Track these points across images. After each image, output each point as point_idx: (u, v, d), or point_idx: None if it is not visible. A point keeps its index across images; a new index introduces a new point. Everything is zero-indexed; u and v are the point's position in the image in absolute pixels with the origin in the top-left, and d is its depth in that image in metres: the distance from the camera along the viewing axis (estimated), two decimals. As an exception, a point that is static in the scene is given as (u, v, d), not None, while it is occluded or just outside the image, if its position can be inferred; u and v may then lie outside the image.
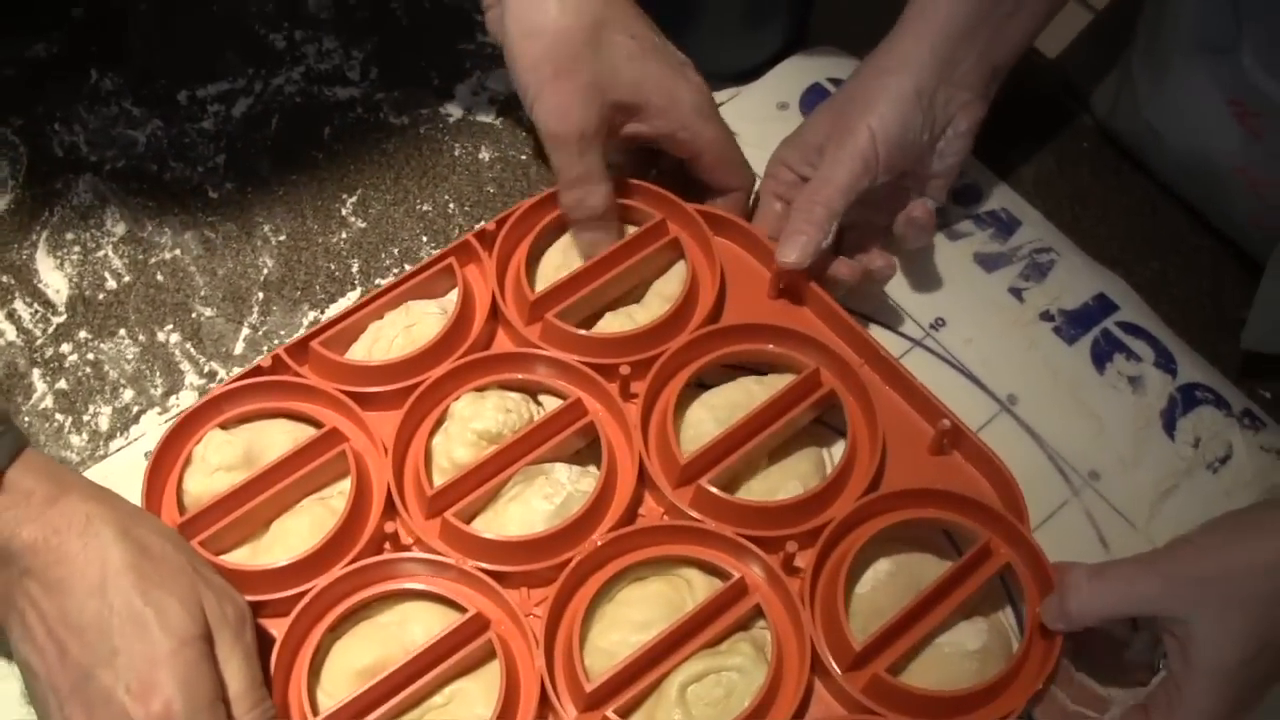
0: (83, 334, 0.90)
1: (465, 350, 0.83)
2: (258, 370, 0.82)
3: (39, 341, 0.89)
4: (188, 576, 0.71)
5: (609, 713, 0.73)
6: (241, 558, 0.79)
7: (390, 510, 0.79)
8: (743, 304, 0.87)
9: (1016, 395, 0.88)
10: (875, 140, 0.84)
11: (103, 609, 0.68)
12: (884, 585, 0.79)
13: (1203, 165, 0.94)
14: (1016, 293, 0.93)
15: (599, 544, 0.77)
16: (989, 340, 0.90)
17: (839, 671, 0.75)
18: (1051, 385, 0.89)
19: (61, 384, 0.88)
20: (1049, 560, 0.77)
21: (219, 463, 0.80)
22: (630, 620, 0.77)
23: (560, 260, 0.88)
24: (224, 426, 0.82)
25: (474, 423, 0.81)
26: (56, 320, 0.90)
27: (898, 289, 0.92)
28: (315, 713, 0.73)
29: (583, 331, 0.84)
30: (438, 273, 0.86)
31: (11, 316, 0.90)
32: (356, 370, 0.82)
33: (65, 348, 0.89)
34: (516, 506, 0.80)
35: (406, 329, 0.84)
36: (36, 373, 0.88)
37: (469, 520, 0.79)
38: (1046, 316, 0.91)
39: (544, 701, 0.74)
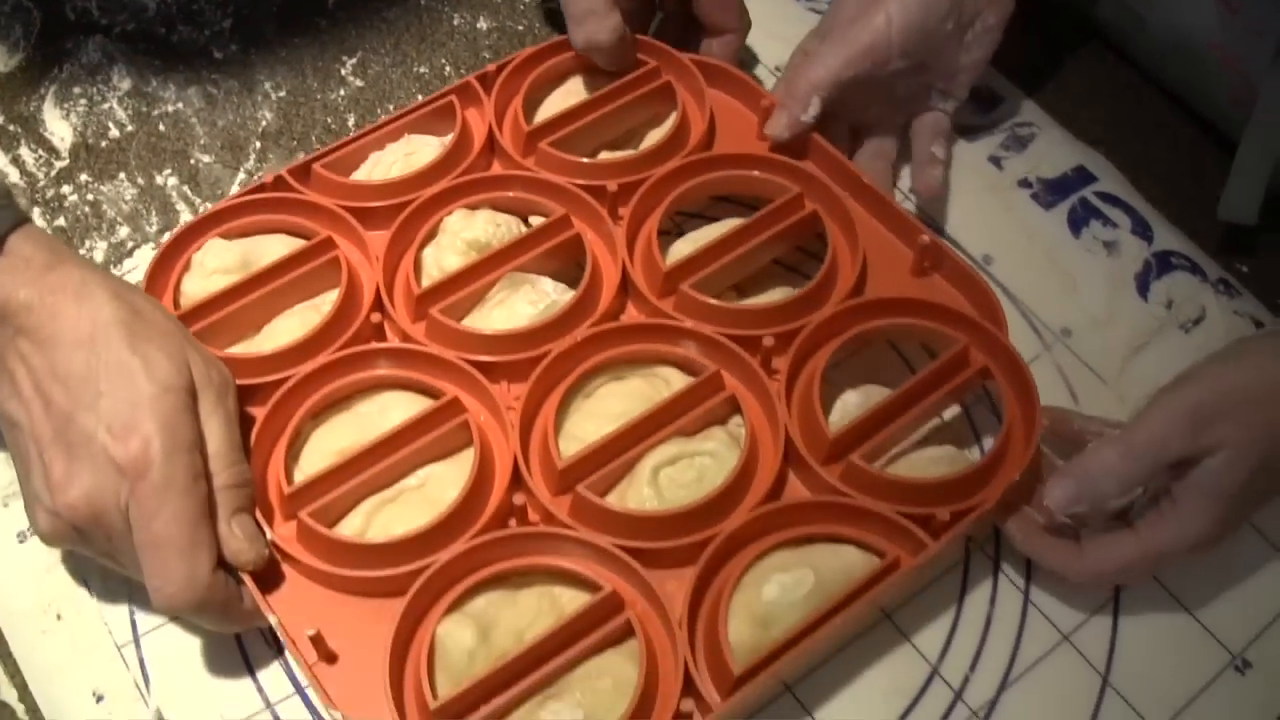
0: (84, 177, 0.93)
1: (460, 174, 0.86)
2: (260, 187, 0.85)
3: (41, 183, 0.93)
4: (176, 338, 0.72)
5: (580, 488, 0.73)
6: (233, 356, 0.81)
7: (380, 309, 0.81)
8: (734, 147, 0.89)
9: (992, 255, 0.89)
10: (891, 26, 0.85)
11: (90, 359, 0.69)
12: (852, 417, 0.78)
13: (1182, 45, 0.95)
14: (996, 161, 0.94)
15: (578, 339, 0.78)
16: (966, 203, 0.91)
17: (815, 462, 0.75)
18: (1027, 247, 0.90)
19: (60, 221, 0.91)
20: (1028, 367, 0.77)
21: (216, 266, 0.82)
22: (607, 412, 0.78)
23: (560, 106, 0.91)
24: (225, 238, 0.84)
25: (464, 233, 0.83)
26: (59, 164, 0.94)
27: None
28: (290, 484, 0.74)
29: (574, 157, 0.86)
30: (438, 112, 0.88)
31: (16, 161, 0.94)
32: (354, 188, 0.85)
33: (66, 189, 0.93)
34: (501, 310, 0.81)
35: (406, 156, 0.87)
36: (37, 211, 0.91)
37: (457, 322, 0.80)
38: (1025, 184, 0.93)
39: (517, 482, 0.75)
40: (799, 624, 0.69)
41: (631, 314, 0.82)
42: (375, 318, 0.80)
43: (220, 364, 0.75)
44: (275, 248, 0.83)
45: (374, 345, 0.79)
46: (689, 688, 0.68)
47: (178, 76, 0.98)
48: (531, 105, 0.91)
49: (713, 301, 0.79)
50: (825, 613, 0.69)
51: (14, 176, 0.93)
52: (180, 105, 0.97)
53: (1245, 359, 0.72)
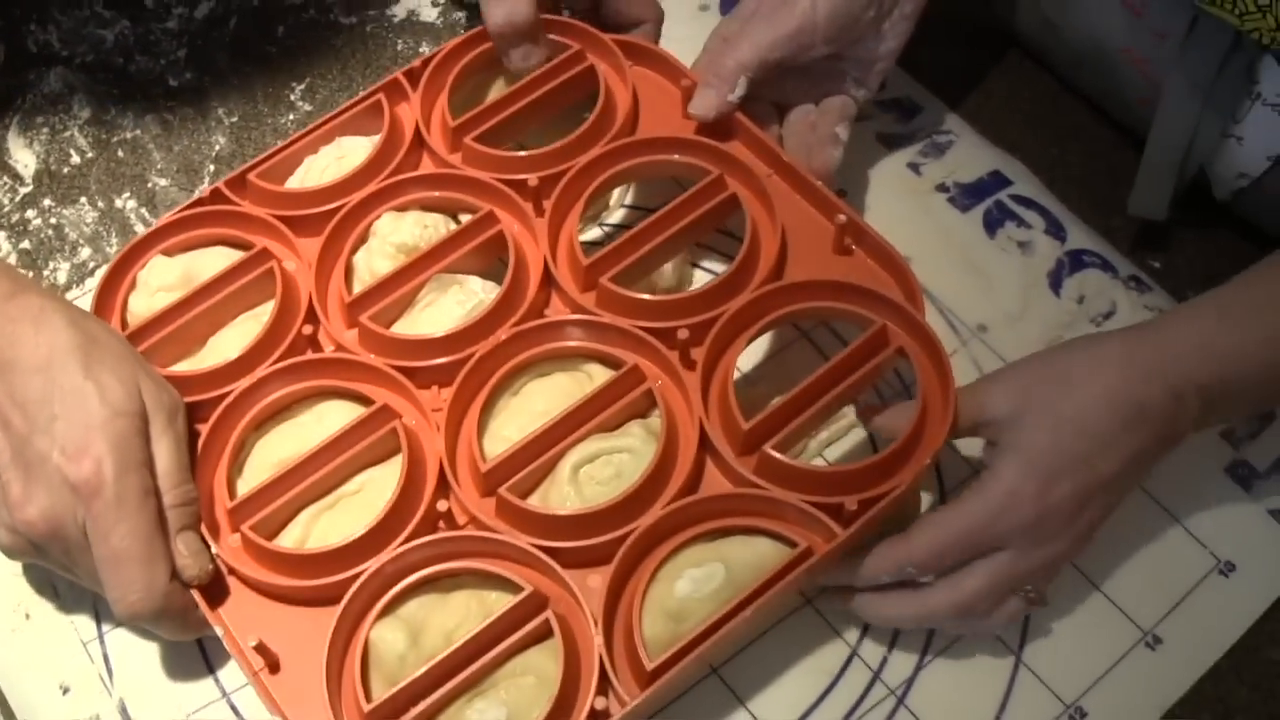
0: (47, 201, 0.99)
1: (389, 174, 0.87)
2: (198, 201, 0.87)
3: (6, 209, 0.98)
4: (129, 364, 0.76)
5: (502, 490, 0.76)
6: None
7: (313, 318, 0.83)
8: (658, 126, 0.89)
9: (911, 257, 0.88)
10: (817, 11, 0.85)
11: (46, 384, 0.73)
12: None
13: (1095, 51, 0.96)
14: (915, 168, 0.97)
15: (502, 339, 0.81)
16: (885, 208, 0.94)
17: (731, 454, 0.77)
18: (944, 248, 0.93)
19: (25, 244, 0.97)
20: (942, 346, 0.78)
21: (159, 284, 0.85)
22: (531, 410, 0.80)
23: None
24: (167, 254, 0.87)
25: (392, 236, 0.85)
26: (23, 190, 1.00)
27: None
28: (233, 498, 0.78)
29: (497, 151, 0.87)
30: (368, 110, 0.90)
31: None
32: (287, 196, 0.87)
33: (30, 213, 0.98)
34: (431, 311, 0.83)
35: (337, 160, 0.89)
36: (2, 235, 0.97)
37: (387, 327, 0.83)
38: (942, 188, 0.96)
39: (444, 485, 0.78)
40: (710, 618, 0.71)
41: (557, 308, 0.84)
42: (309, 329, 0.83)
43: (170, 387, 0.78)
44: (216, 261, 0.86)
45: (308, 356, 0.82)
46: (605, 684, 0.71)
47: (135, 105, 1.03)
48: (473, 100, 0.92)
49: (630, 294, 0.81)
50: (735, 607, 0.71)
51: None
52: (138, 132, 1.02)
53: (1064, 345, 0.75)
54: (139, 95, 1.03)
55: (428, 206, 0.87)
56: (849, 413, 0.83)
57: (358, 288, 0.84)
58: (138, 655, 0.81)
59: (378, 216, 0.86)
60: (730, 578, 0.73)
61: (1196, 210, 0.94)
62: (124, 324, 0.85)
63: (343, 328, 0.83)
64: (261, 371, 0.81)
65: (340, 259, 0.85)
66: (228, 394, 0.80)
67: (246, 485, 0.79)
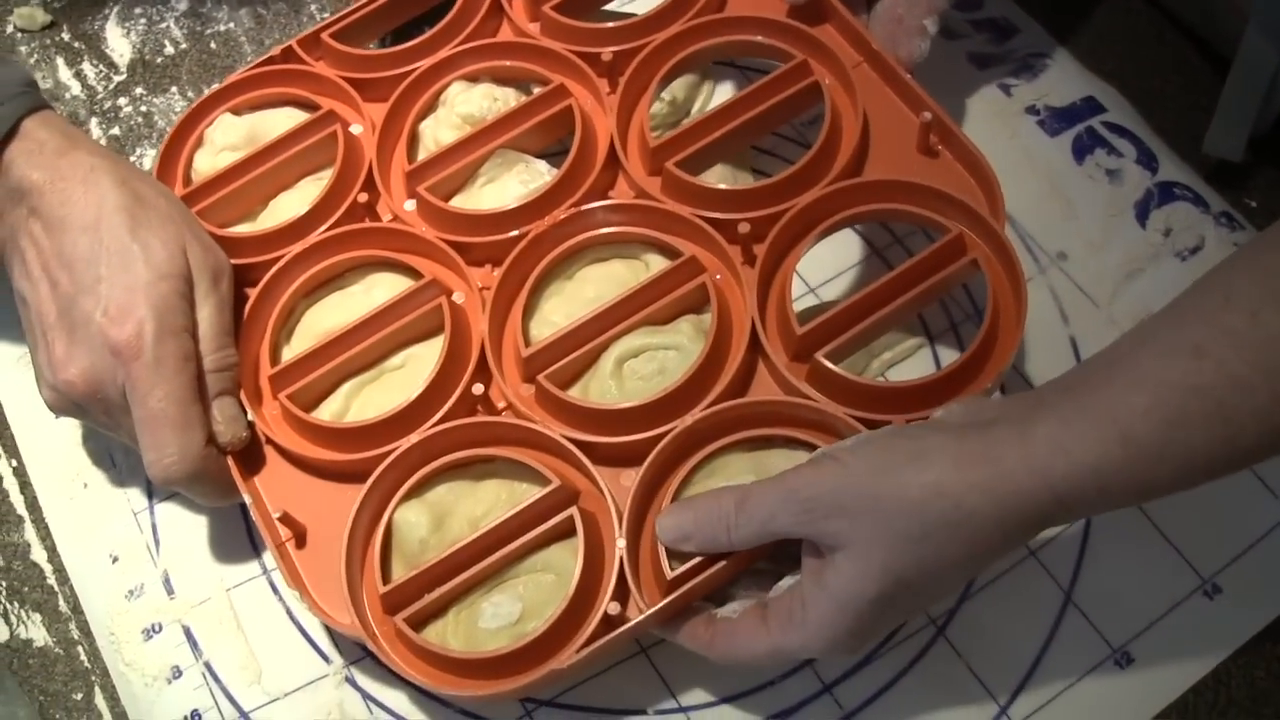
0: (139, 90, 0.99)
1: (463, 39, 0.84)
2: (270, 60, 0.86)
3: (100, 96, 0.99)
4: (176, 225, 0.75)
5: (541, 378, 0.73)
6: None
7: (371, 185, 0.81)
8: (746, 6, 0.84)
9: None
10: None
11: (94, 244, 0.73)
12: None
13: None
14: (1005, 88, 0.91)
15: (558, 219, 0.77)
16: (970, 127, 0.88)
17: (782, 358, 0.73)
18: (1028, 171, 0.87)
19: (115, 130, 0.97)
20: (1020, 262, 0.72)
21: (224, 142, 0.84)
22: (582, 296, 0.77)
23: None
24: (235, 113, 0.85)
25: (460, 107, 0.82)
26: (117, 79, 1.00)
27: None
28: (276, 365, 0.77)
29: (578, 23, 0.83)
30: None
31: (79, 75, 1.00)
32: (358, 58, 0.85)
33: (122, 101, 0.99)
34: (492, 189, 0.81)
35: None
36: (94, 121, 0.98)
37: (446, 200, 0.80)
38: (1032, 110, 0.90)
39: (485, 367, 0.75)
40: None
41: (621, 191, 0.80)
42: (366, 196, 0.80)
43: (218, 250, 0.77)
44: (282, 122, 0.84)
45: (364, 225, 0.80)
46: (623, 589, 0.68)
47: (231, -1, 1.03)
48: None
49: (695, 181, 0.77)
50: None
51: (75, 89, 1.00)
52: (231, 25, 1.01)
53: (876, 456, 0.62)
54: (236, -11, 1.04)
55: (500, 79, 0.84)
56: (916, 331, 0.78)
57: (421, 155, 0.82)
58: (184, 528, 0.81)
59: (448, 84, 0.83)
60: (764, 491, 0.70)
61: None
62: (188, 181, 0.84)
63: (402, 197, 0.81)
64: (314, 237, 0.79)
65: (405, 126, 0.83)
66: (279, 258, 0.79)
67: (293, 354, 0.78)
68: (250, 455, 0.76)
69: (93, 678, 0.78)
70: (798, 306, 0.73)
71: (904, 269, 0.72)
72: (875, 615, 0.62)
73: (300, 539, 0.74)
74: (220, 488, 0.75)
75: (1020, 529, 0.59)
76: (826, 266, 0.83)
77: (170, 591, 0.79)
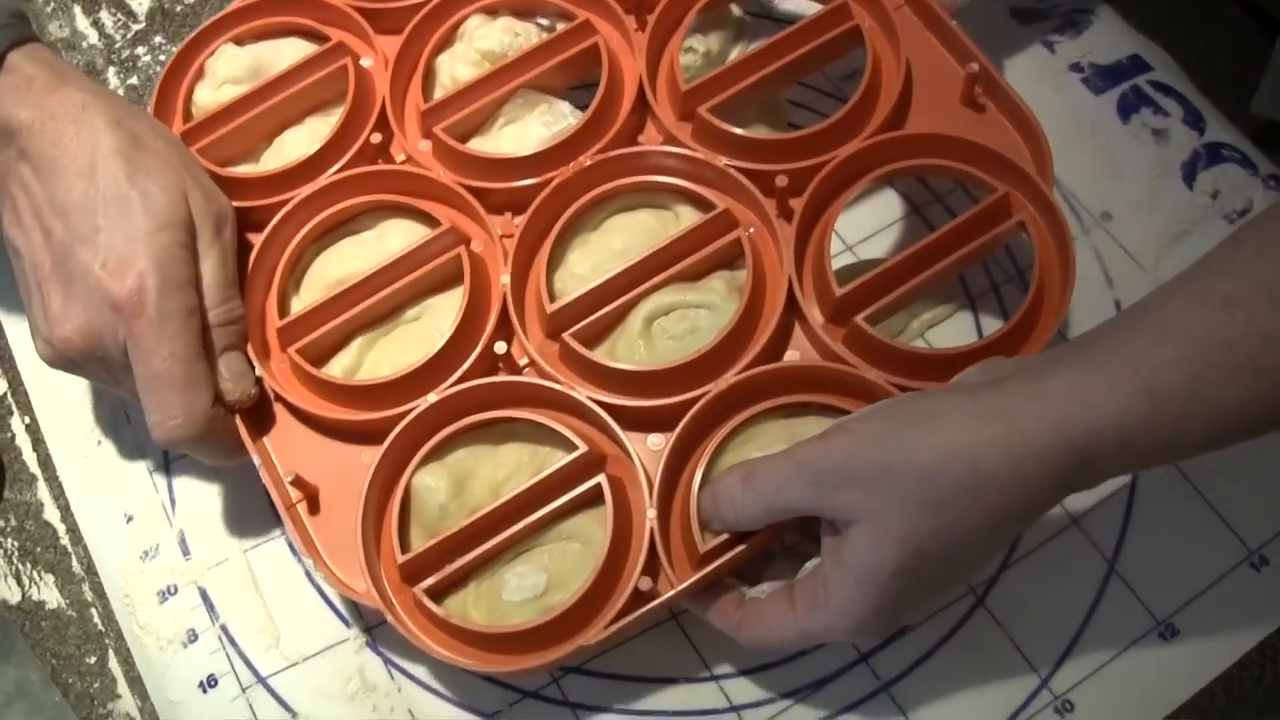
0: (158, 39, 0.96)
1: (480, -30, 0.80)
2: (274, -16, 0.81)
3: (118, 44, 0.95)
4: (175, 169, 0.71)
5: (566, 336, 0.70)
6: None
7: (384, 124, 0.77)
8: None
9: None
10: None
11: (89, 190, 0.68)
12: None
13: None
14: (1049, 44, 0.88)
15: (585, 165, 0.73)
16: (1014, 83, 0.83)
17: (819, 320, 0.70)
18: (1073, 130, 0.84)
19: (133, 80, 0.94)
20: (1069, 225, 0.69)
21: (226, 75, 0.79)
22: (609, 248, 0.74)
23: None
24: (238, 43, 0.81)
25: (480, 42, 0.77)
26: (135, 27, 0.96)
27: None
28: (284, 316, 0.73)
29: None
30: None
31: (96, 24, 0.97)
32: (367, -13, 0.80)
33: (140, 50, 0.95)
34: (512, 130, 0.77)
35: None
36: (112, 70, 0.94)
37: (464, 141, 0.76)
38: (1076, 68, 0.86)
39: (507, 321, 0.72)
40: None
41: (650, 136, 0.76)
42: (379, 136, 0.76)
43: (220, 194, 0.73)
44: (289, 54, 0.80)
45: (376, 166, 0.76)
46: (654, 562, 0.66)
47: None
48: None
49: (729, 128, 0.72)
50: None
51: (93, 38, 0.96)
52: None
53: (887, 421, 0.59)
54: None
55: (520, 11, 0.79)
56: (957, 293, 0.75)
57: (438, 92, 0.78)
58: (201, 487, 0.78)
59: (466, 16, 0.79)
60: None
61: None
62: (188, 115, 0.79)
63: (416, 138, 0.77)
64: (324, 180, 0.75)
65: (421, 60, 0.78)
66: (286, 200, 0.75)
67: (302, 304, 0.74)
68: (259, 413, 0.72)
69: (106, 641, 0.75)
70: (835, 265, 0.70)
71: (948, 230, 0.69)
72: (898, 591, 0.58)
73: (313, 502, 0.71)
74: (228, 448, 0.71)
75: (1046, 489, 0.56)
76: (863, 224, 0.79)
77: (186, 552, 0.76)
